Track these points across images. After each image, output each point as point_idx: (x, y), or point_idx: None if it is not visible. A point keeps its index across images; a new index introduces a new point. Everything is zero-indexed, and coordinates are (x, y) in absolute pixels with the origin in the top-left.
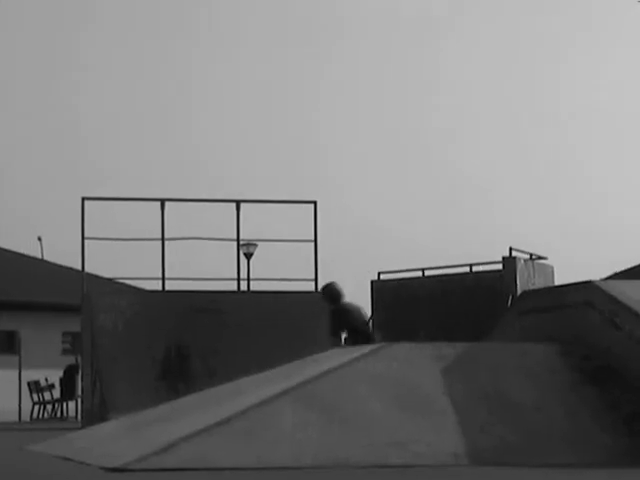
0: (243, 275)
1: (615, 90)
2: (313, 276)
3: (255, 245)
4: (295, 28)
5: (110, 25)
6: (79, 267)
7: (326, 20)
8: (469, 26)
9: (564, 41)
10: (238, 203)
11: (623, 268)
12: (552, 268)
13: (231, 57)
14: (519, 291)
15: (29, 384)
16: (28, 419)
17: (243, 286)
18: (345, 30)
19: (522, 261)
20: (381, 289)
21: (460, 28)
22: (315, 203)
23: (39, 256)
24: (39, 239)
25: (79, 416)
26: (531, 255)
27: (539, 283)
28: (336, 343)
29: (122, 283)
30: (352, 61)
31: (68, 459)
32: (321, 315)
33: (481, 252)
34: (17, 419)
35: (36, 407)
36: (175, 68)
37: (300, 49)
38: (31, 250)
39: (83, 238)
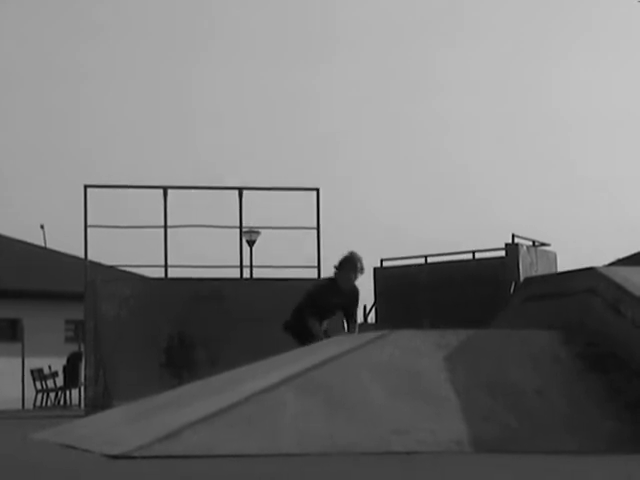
0: (246, 262)
1: (613, 89)
2: (316, 263)
3: (258, 232)
4: (297, 24)
5: (114, 21)
6: (82, 255)
7: (328, 16)
8: (471, 25)
9: (564, 40)
10: (241, 190)
11: (626, 254)
12: (555, 255)
13: (233, 51)
14: (522, 278)
15: (32, 372)
16: (31, 407)
17: (246, 273)
18: (348, 27)
19: (525, 248)
20: (384, 276)
21: (463, 27)
22: (318, 190)
23: (42, 244)
24: (42, 227)
25: (82, 404)
26: (534, 242)
27: (542, 270)
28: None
29: (125, 271)
30: (358, 54)
31: (71, 447)
32: None
33: (484, 241)
34: (20, 407)
35: (39, 395)
36: (177, 60)
37: (304, 42)
38: (34, 238)
39: (86, 226)
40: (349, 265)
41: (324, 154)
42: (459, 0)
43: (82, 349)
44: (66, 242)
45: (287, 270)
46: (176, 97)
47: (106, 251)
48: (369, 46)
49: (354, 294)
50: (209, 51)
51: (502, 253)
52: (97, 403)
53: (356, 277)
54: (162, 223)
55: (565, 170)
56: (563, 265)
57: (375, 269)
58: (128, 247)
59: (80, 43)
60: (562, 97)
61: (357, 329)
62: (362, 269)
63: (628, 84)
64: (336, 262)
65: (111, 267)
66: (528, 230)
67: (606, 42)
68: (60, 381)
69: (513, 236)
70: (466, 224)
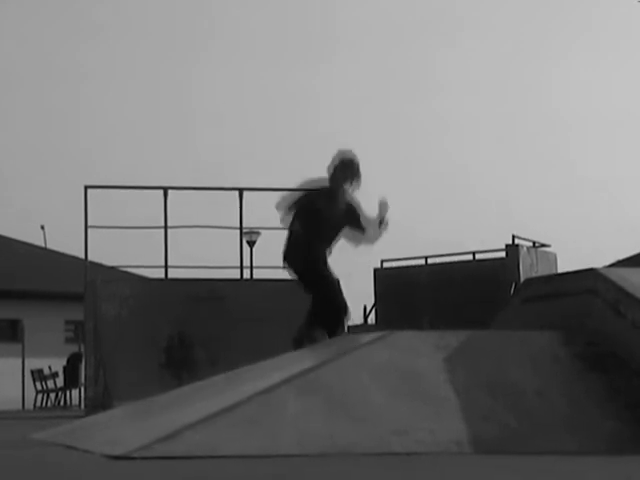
0: (246, 263)
1: (613, 89)
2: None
3: (258, 233)
4: (297, 24)
5: (114, 21)
6: (82, 255)
7: (328, 16)
8: (471, 25)
9: (564, 40)
10: (241, 191)
11: (626, 255)
12: (555, 255)
13: (233, 51)
14: (522, 279)
15: (32, 373)
16: (32, 407)
17: (246, 274)
18: (348, 27)
19: (525, 249)
20: (384, 277)
21: (461, 30)
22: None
23: (42, 245)
24: (42, 228)
25: (82, 404)
26: (534, 243)
27: (542, 271)
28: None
29: (125, 271)
30: (358, 54)
31: (71, 447)
32: None
33: (484, 241)
34: (21, 407)
35: (40, 395)
36: (177, 60)
37: (304, 42)
38: (34, 239)
39: (86, 226)
40: (349, 171)
41: (324, 154)
42: (459, 0)
43: (82, 349)
44: (66, 242)
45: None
46: (176, 97)
47: (106, 252)
48: (369, 46)
49: (353, 205)
50: (209, 51)
51: (502, 254)
52: (97, 403)
53: (355, 186)
54: (162, 224)
55: (565, 170)
56: (563, 265)
57: (375, 270)
58: (128, 248)
59: (80, 43)
60: (562, 97)
61: (374, 230)
62: (360, 176)
63: (628, 84)
64: (330, 165)
65: (111, 268)
66: (528, 230)
67: (606, 42)
68: (60, 381)
69: (513, 237)
70: (466, 224)
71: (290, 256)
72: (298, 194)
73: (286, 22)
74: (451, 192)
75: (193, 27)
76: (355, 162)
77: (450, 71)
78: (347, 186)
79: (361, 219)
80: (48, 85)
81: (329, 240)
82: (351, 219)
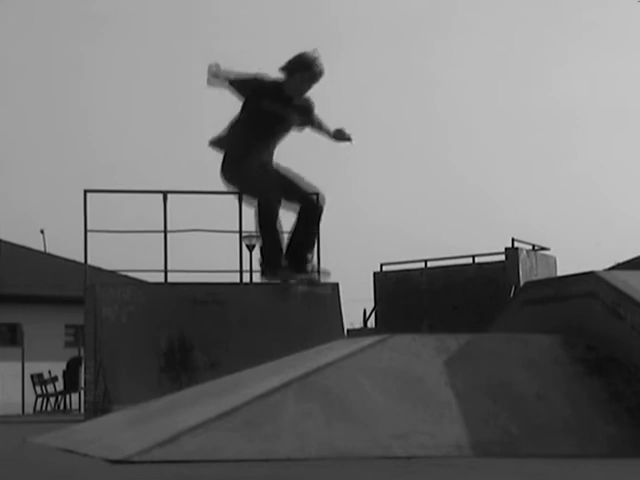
0: (245, 267)
1: (614, 90)
2: (315, 268)
3: (258, 237)
4: (297, 23)
5: (114, 22)
6: (82, 260)
7: (328, 16)
8: (468, 25)
9: (564, 39)
10: (240, 195)
11: (626, 258)
12: (555, 259)
13: (232, 51)
14: (522, 282)
15: (32, 377)
16: (31, 412)
17: (245, 278)
18: (348, 27)
19: (525, 252)
20: (384, 281)
21: (459, 26)
22: (317, 194)
23: (42, 249)
24: (42, 232)
25: (82, 408)
26: (534, 246)
27: (542, 274)
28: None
29: (125, 276)
30: (352, 58)
31: (71, 451)
32: (324, 306)
33: (484, 242)
34: (20, 412)
35: (39, 400)
36: (177, 59)
37: (304, 42)
38: (34, 243)
39: (86, 231)
40: (309, 73)
41: (324, 155)
42: (459, 0)
43: (82, 353)
44: (66, 247)
45: None
46: (176, 97)
47: (106, 256)
48: (369, 46)
49: (308, 103)
50: (211, 43)
51: (502, 257)
52: (97, 407)
53: (311, 87)
54: (162, 227)
55: (565, 170)
56: (563, 267)
57: (375, 273)
58: (128, 252)
59: (80, 43)
60: (562, 97)
61: (324, 125)
62: (322, 74)
63: (628, 84)
64: (284, 63)
65: (111, 272)
66: (528, 231)
67: (606, 42)
68: (60, 386)
69: (513, 240)
70: (466, 226)
71: (229, 169)
72: (251, 75)
73: (286, 22)
74: (450, 193)
75: (193, 27)
76: (314, 60)
77: (450, 71)
78: (307, 87)
79: (313, 112)
80: (48, 85)
81: (275, 142)
82: (302, 113)
